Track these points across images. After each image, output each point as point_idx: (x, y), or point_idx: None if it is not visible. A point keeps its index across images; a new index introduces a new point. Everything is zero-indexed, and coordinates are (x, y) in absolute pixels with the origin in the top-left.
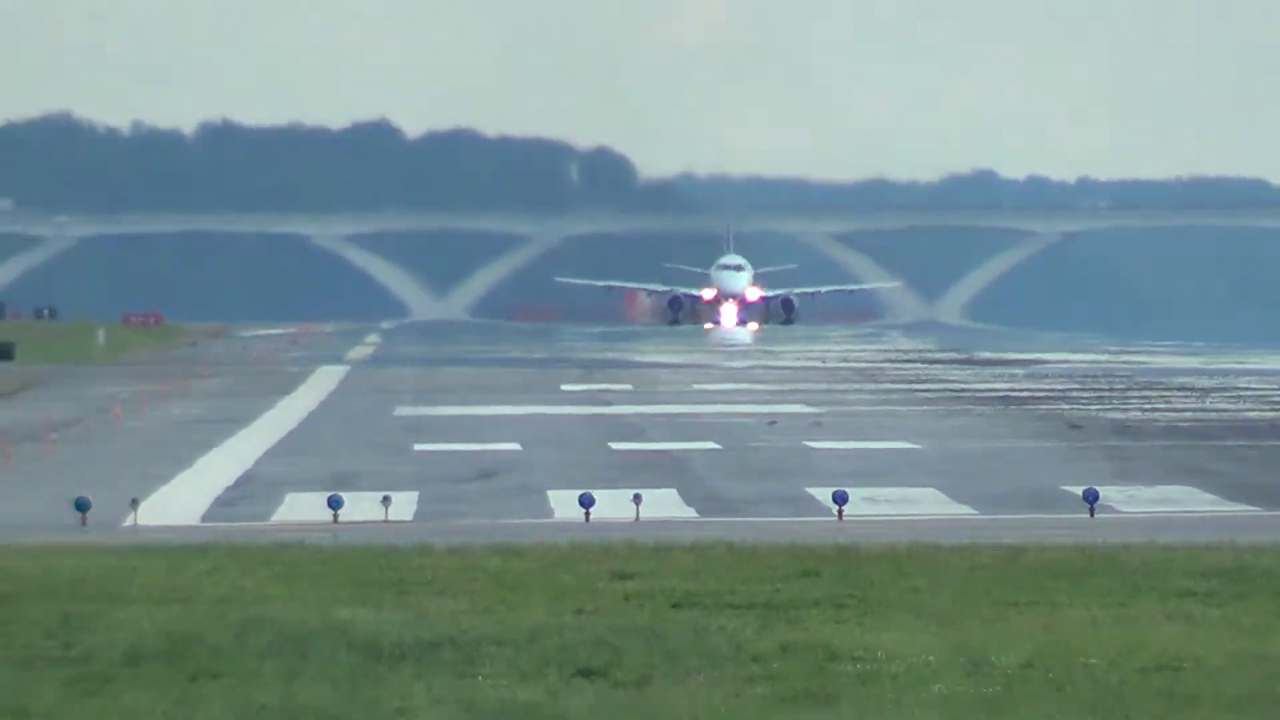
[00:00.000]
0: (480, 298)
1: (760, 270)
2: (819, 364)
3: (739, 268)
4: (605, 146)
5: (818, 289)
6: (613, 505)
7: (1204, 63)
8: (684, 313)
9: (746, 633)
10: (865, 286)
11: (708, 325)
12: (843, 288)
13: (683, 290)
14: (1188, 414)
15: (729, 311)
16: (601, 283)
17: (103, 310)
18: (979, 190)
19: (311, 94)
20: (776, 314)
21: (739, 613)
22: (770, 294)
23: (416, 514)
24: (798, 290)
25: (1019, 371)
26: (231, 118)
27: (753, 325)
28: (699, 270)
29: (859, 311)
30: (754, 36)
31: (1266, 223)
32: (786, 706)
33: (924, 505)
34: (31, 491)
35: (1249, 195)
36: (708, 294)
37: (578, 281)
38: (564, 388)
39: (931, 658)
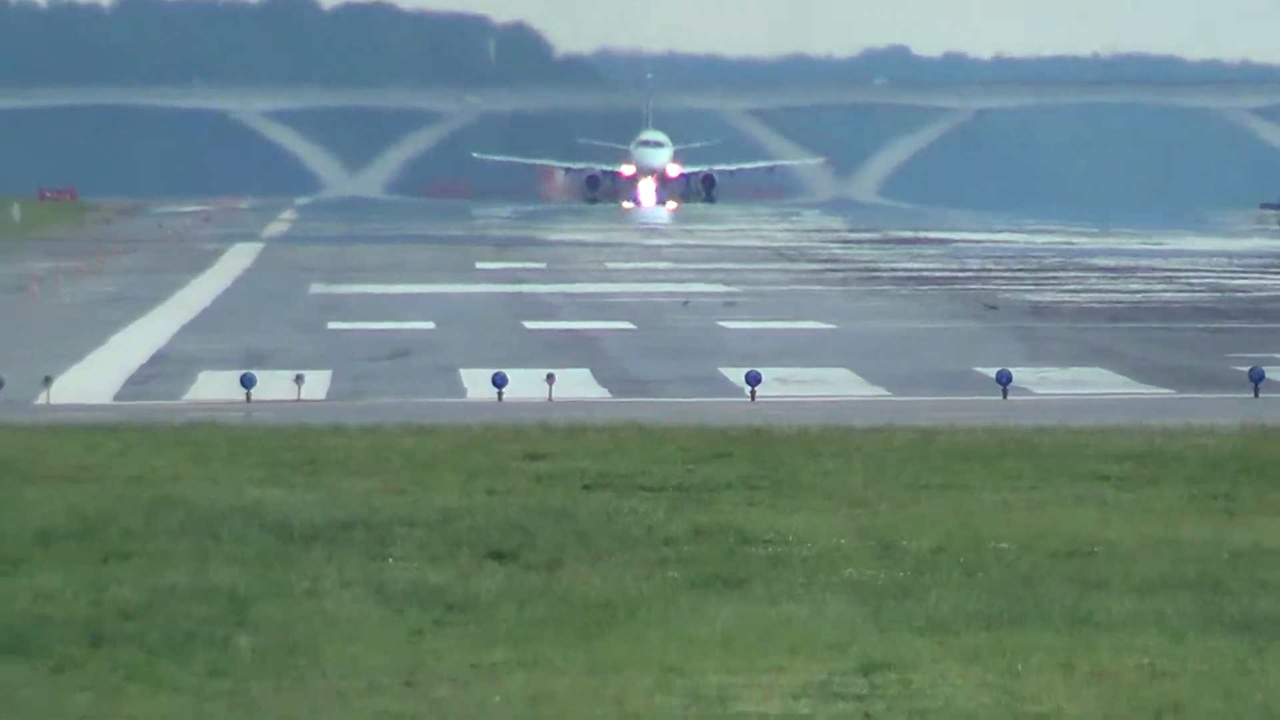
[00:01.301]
0: (395, 174)
1: (680, 146)
2: (734, 243)
3: (659, 144)
4: (522, 21)
5: (739, 166)
6: (526, 385)
7: None
8: (602, 190)
9: (658, 515)
10: (788, 163)
11: (626, 203)
12: (764, 164)
13: (601, 167)
14: (1102, 295)
15: (648, 189)
16: (518, 159)
17: (17, 185)
18: (895, 66)
19: None
20: (697, 191)
21: (650, 495)
22: (690, 170)
23: (330, 393)
24: (718, 167)
25: (934, 250)
26: None
27: (672, 204)
28: (618, 146)
29: (775, 189)
30: None
31: (1184, 100)
32: (698, 589)
33: (837, 386)
34: None
35: (1164, 72)
36: (626, 171)
37: (494, 158)
38: (479, 266)
39: (842, 541)
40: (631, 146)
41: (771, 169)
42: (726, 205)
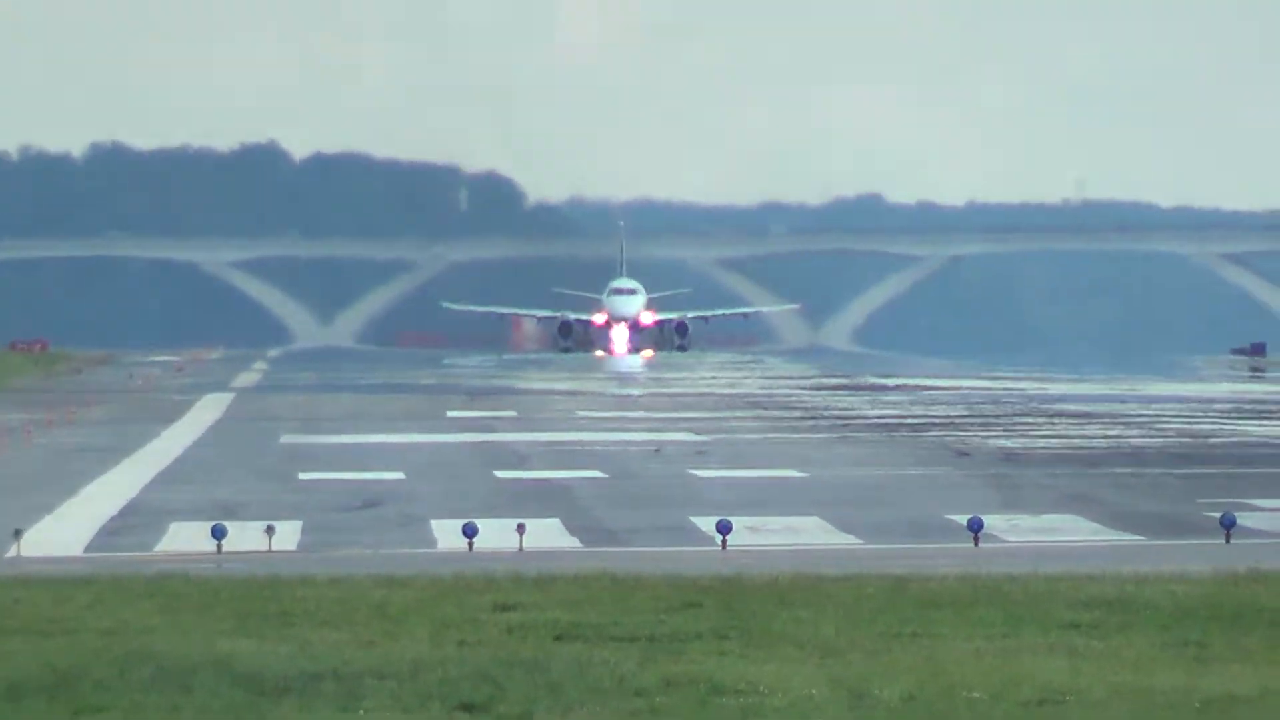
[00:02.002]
0: (366, 324)
1: (653, 295)
2: (706, 391)
3: (632, 291)
4: (494, 171)
5: (713, 313)
6: (496, 534)
7: (1092, 86)
8: (575, 338)
9: (629, 665)
10: (761, 309)
11: (599, 352)
12: (737, 311)
13: (573, 315)
14: (1074, 441)
15: (621, 336)
16: (488, 309)
17: None
18: (867, 214)
19: (201, 116)
20: (670, 339)
21: (622, 645)
22: (663, 318)
23: (300, 544)
24: (692, 314)
25: (905, 398)
26: (121, 140)
27: (647, 352)
28: (590, 295)
29: (749, 336)
30: (640, 59)
31: (1155, 245)
32: None
33: (808, 534)
34: None
35: (1138, 219)
36: (599, 319)
37: (464, 308)
38: (449, 414)
39: (814, 691)
40: (604, 295)
41: (745, 316)
42: (700, 353)
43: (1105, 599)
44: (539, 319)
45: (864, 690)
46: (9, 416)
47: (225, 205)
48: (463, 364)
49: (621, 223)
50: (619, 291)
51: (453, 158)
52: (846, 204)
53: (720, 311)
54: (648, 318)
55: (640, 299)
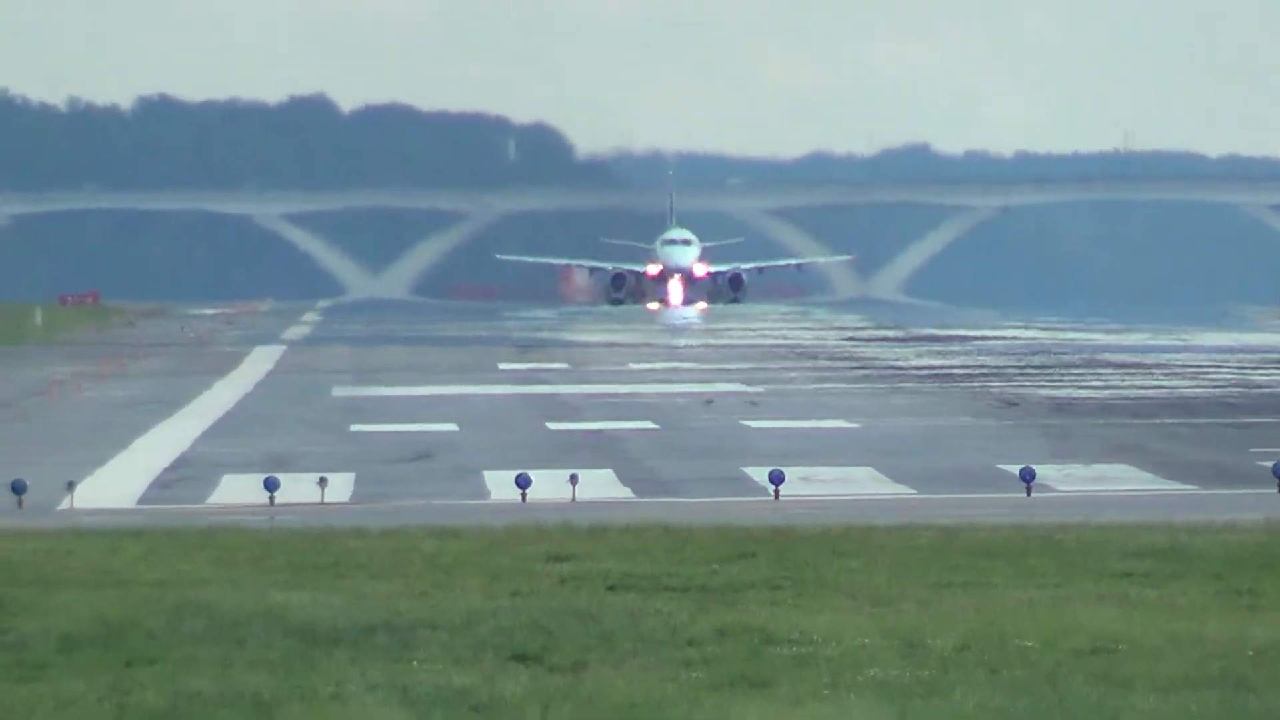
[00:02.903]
0: (418, 276)
1: (705, 245)
2: (758, 342)
3: (686, 242)
4: (542, 122)
5: (767, 263)
6: (549, 486)
7: (1142, 35)
8: (627, 290)
9: (682, 616)
10: (815, 260)
11: (653, 304)
12: (791, 262)
13: (626, 266)
14: (1125, 391)
15: (676, 288)
16: (543, 259)
17: (40, 290)
18: (915, 164)
19: (249, 69)
20: (724, 291)
21: (675, 595)
22: (717, 269)
23: (353, 495)
24: (746, 266)
25: (955, 348)
26: (169, 93)
27: (700, 304)
28: (640, 245)
29: (798, 288)
30: (687, 10)
31: (1204, 195)
32: (722, 690)
33: (860, 485)
34: None
35: (1184, 169)
36: (652, 270)
37: (519, 259)
38: (501, 367)
39: (867, 640)
40: (656, 245)
41: (799, 267)
42: (752, 304)
43: (1157, 548)
44: (591, 270)
45: (916, 639)
46: (61, 369)
47: (274, 158)
48: (523, 316)
49: (671, 172)
50: (673, 242)
51: (501, 109)
52: (894, 154)
53: (773, 263)
54: (701, 269)
55: (695, 250)
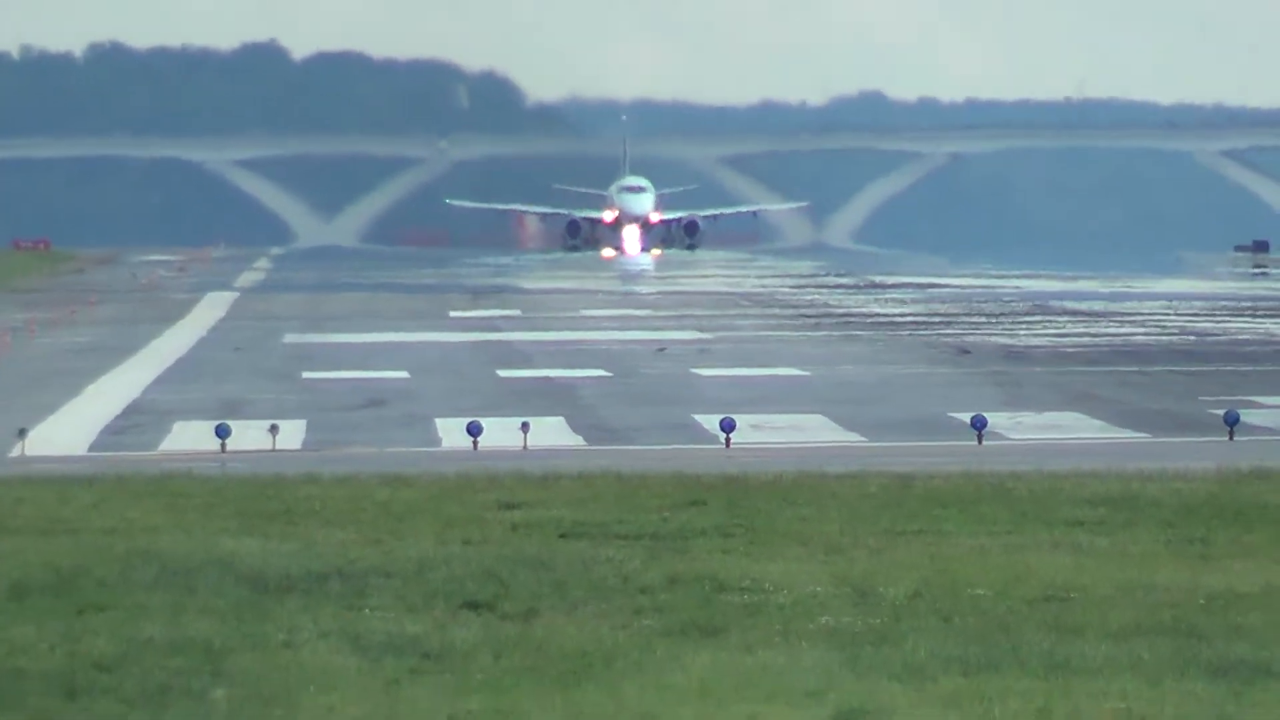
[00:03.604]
0: (369, 223)
1: (661, 192)
2: (708, 288)
3: (642, 189)
4: (492, 69)
5: (721, 210)
6: (501, 434)
7: None
8: (582, 237)
9: (634, 563)
10: (770, 208)
11: (608, 251)
12: (746, 209)
13: (580, 213)
14: (1076, 339)
15: (632, 235)
16: (495, 205)
17: None
18: (868, 111)
19: (201, 15)
20: (679, 238)
21: (626, 543)
22: (672, 217)
23: (304, 443)
24: (701, 213)
25: (907, 296)
26: (121, 40)
27: (656, 251)
28: (594, 192)
29: (750, 235)
30: None
31: (1155, 143)
32: (674, 638)
33: (812, 432)
34: None
35: (1138, 116)
36: (607, 217)
37: (470, 204)
38: (452, 314)
39: (818, 588)
40: (612, 191)
41: (754, 214)
42: (707, 251)
43: (1109, 496)
44: (544, 217)
45: (869, 587)
46: (12, 316)
47: (227, 104)
48: (478, 263)
49: (624, 118)
50: (629, 189)
51: (452, 56)
52: (847, 101)
53: (729, 209)
54: (656, 216)
55: (650, 197)
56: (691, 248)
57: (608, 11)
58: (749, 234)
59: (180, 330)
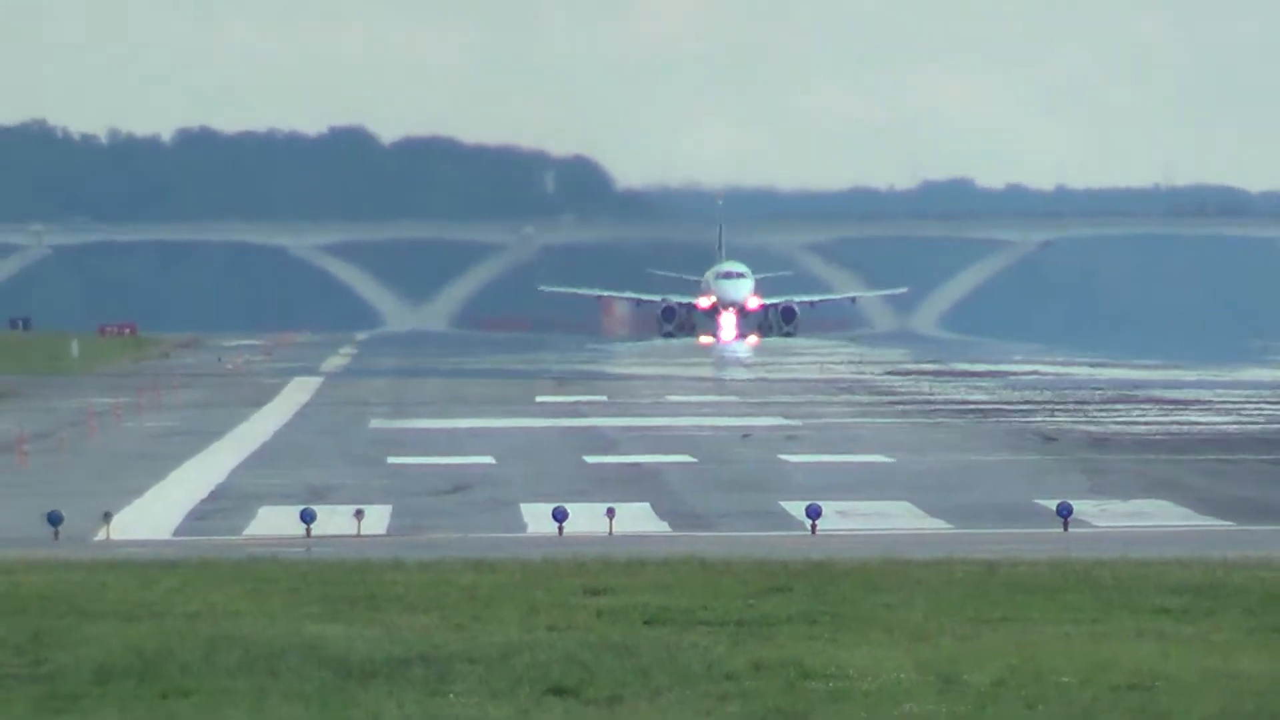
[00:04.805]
0: (457, 308)
1: (758, 277)
2: (794, 375)
3: (741, 275)
4: (580, 154)
5: (821, 297)
6: (586, 519)
7: (1181, 69)
8: (677, 323)
9: (718, 650)
10: (867, 294)
11: (705, 337)
12: (844, 296)
13: (676, 299)
14: (1162, 426)
15: (729, 321)
16: (589, 291)
17: (78, 320)
18: (956, 198)
19: (289, 101)
20: (776, 324)
21: (711, 629)
22: (770, 302)
23: (390, 528)
24: (799, 299)
25: (995, 383)
26: (209, 125)
27: (752, 338)
28: (689, 278)
29: (837, 322)
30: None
31: (1245, 231)
32: None
33: (897, 519)
34: (4, 504)
35: (1225, 204)
36: (703, 303)
37: (565, 290)
38: (539, 400)
39: (903, 675)
40: (709, 277)
41: (852, 300)
42: (807, 338)
43: (1194, 584)
44: (639, 302)
45: (953, 675)
46: (99, 400)
47: (313, 189)
48: (572, 350)
49: (721, 202)
50: (728, 275)
51: (539, 142)
52: (935, 187)
53: (827, 296)
54: (754, 302)
55: (749, 283)
56: (789, 334)
57: (696, 97)
58: (834, 322)
59: (266, 414)
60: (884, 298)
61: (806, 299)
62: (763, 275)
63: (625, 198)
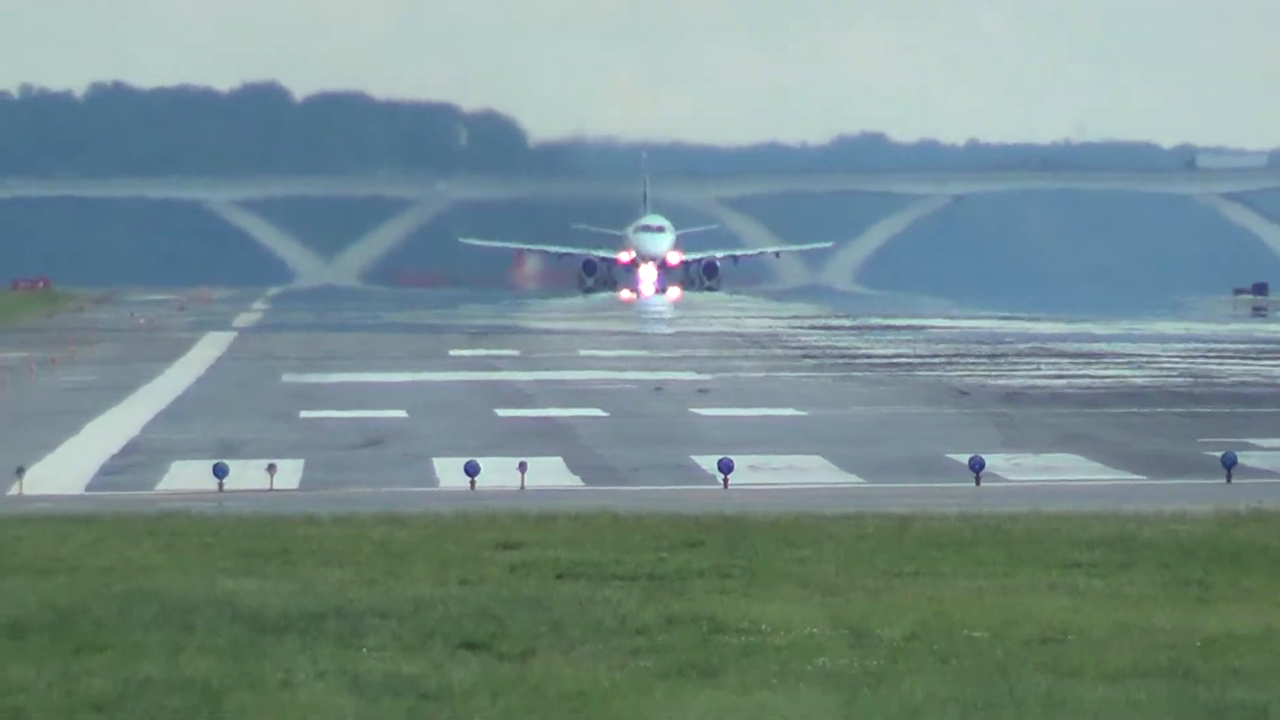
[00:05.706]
0: (370, 263)
1: (680, 232)
2: (707, 329)
3: (660, 229)
4: (493, 109)
5: (743, 252)
6: (498, 473)
7: (1092, 25)
8: (598, 278)
9: (631, 604)
10: (790, 248)
11: (625, 293)
12: (768, 250)
13: (596, 253)
14: (1075, 380)
15: (649, 276)
16: (511, 245)
17: None
18: (869, 154)
19: (202, 56)
20: (699, 279)
21: (623, 584)
22: (692, 257)
23: (302, 482)
24: (721, 254)
25: (907, 337)
26: (123, 80)
27: (674, 292)
28: (612, 232)
29: (746, 277)
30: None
31: (1156, 185)
32: (671, 679)
33: (810, 473)
34: None
35: (1138, 159)
36: (624, 257)
37: (482, 243)
38: (452, 354)
39: (815, 630)
40: (629, 232)
41: (776, 255)
42: (728, 293)
43: (1106, 538)
44: (559, 256)
45: (865, 629)
46: (11, 355)
47: (227, 145)
48: (482, 304)
49: (645, 155)
50: (647, 229)
51: (452, 97)
52: (849, 143)
53: (748, 251)
54: (675, 257)
55: (669, 237)
56: (710, 289)
57: (610, 52)
58: (743, 276)
59: (179, 369)
60: (799, 252)
61: (729, 254)
62: (686, 230)
63: (539, 152)
